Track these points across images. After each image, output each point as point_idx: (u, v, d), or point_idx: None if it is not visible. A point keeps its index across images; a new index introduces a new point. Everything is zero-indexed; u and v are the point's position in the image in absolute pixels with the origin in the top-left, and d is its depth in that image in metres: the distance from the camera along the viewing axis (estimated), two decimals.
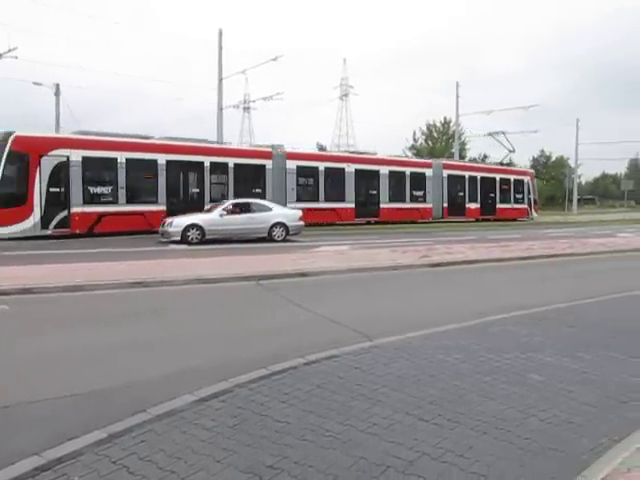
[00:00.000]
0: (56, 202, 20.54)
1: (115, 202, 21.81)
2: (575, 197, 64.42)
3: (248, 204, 20.82)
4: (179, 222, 19.19)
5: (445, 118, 67.52)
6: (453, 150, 54.44)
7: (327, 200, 29.06)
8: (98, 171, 21.90)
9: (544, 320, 7.64)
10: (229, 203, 20.56)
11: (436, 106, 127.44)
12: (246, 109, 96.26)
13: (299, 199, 27.70)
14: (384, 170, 31.47)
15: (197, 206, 23.22)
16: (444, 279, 12.34)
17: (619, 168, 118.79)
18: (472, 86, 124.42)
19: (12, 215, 19.80)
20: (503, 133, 43.48)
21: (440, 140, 68.87)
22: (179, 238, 18.61)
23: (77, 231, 21.01)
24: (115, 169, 22.02)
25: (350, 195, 30.02)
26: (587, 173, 70.59)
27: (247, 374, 5.10)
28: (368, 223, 30.38)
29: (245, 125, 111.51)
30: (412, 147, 69.28)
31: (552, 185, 75.92)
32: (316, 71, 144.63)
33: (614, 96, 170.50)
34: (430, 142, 69.09)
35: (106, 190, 21.95)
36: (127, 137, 23.31)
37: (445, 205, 35.16)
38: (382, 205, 31.40)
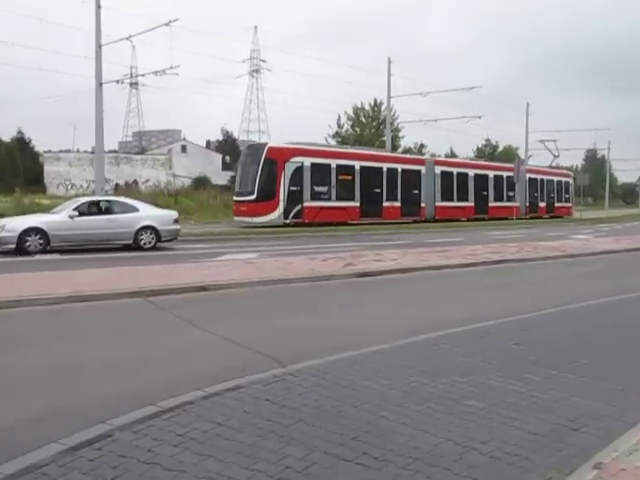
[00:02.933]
0: (294, 198, 31.63)
1: (329, 198, 33.55)
2: None
3: (107, 203, 20.15)
4: (14, 225, 17.81)
5: (375, 100, 68.93)
6: (384, 138, 55.60)
7: (458, 200, 42.11)
8: (320, 174, 33.09)
9: (487, 337, 7.93)
10: (82, 202, 19.74)
11: (364, 87, 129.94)
12: (133, 85, 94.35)
13: (442, 199, 40.76)
14: (491, 174, 45.40)
15: (377, 203, 36.36)
16: (371, 291, 12.56)
17: (575, 160, 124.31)
18: (407, 66, 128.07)
19: (266, 207, 30.84)
20: (554, 141, 57.70)
21: (369, 126, 70.20)
22: (14, 246, 17.30)
23: (307, 221, 32.02)
24: (329, 173, 33.66)
25: (471, 196, 43.38)
26: (539, 165, 73.98)
27: (131, 413, 4.97)
28: (482, 219, 42.73)
29: (132, 105, 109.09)
30: (336, 134, 70.26)
31: None
32: (220, 42, 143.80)
33: (571, 80, 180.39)
34: (358, 128, 70.30)
35: (324, 189, 33.45)
36: (334, 147, 41.11)
37: (527, 204, 49.47)
38: (490, 204, 44.74)
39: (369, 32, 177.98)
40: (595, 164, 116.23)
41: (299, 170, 31.94)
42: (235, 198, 32.72)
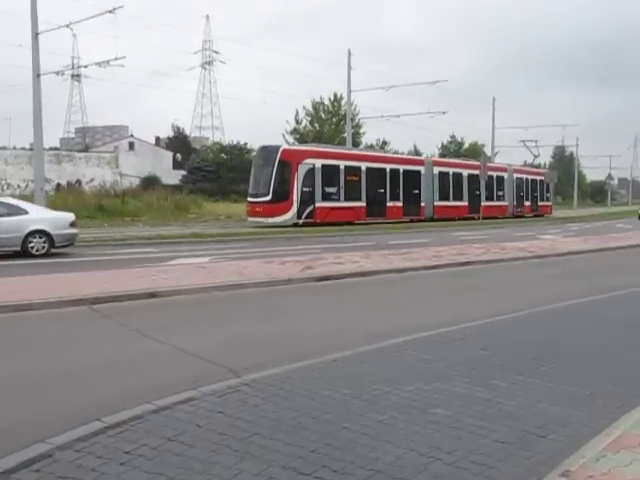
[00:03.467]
0: (307, 199, 34.91)
1: (338, 199, 36.95)
2: None
3: None
4: None
5: (335, 95, 69.16)
6: (345, 134, 55.78)
7: (454, 199, 46.29)
8: (330, 176, 36.29)
9: (452, 342, 8.02)
10: None
11: (326, 80, 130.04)
12: (75, 77, 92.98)
13: (440, 198, 44.75)
14: (475, 173, 48.34)
15: (381, 202, 39.67)
16: (332, 295, 12.62)
17: (543, 157, 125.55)
18: (369, 59, 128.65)
19: (281, 208, 33.95)
20: (535, 141, 61.60)
21: (329, 122, 70.39)
22: None
23: (318, 220, 34.90)
24: (339, 174, 36.95)
25: (465, 195, 47.29)
26: (507, 163, 74.48)
27: (74, 430, 4.89)
28: (474, 218, 46.24)
29: (75, 98, 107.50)
30: (294, 131, 70.27)
31: None
32: (171, 32, 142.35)
33: (542, 76, 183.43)
34: (317, 124, 70.43)
35: (334, 190, 36.76)
36: (342, 149, 43.01)
37: (515, 203, 53.69)
38: (482, 203, 48.02)
39: (334, 23, 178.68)
40: (563, 162, 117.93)
41: (311, 172, 35.29)
42: (250, 199, 35.58)
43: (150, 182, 57.53)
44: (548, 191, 61.29)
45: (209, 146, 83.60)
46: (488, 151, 73.84)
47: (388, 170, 40.52)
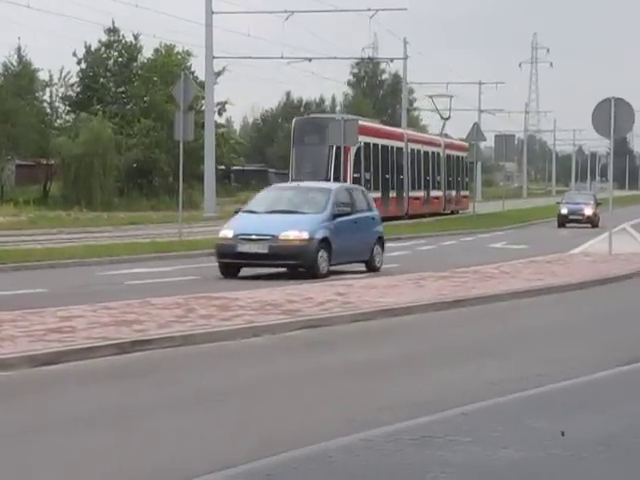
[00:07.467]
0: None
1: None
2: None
3: None
4: None
5: None
6: None
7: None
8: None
9: None
10: None
11: None
12: None
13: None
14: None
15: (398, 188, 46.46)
16: None
17: (332, 88, 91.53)
18: None
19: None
20: (450, 97, 59.20)
21: None
22: None
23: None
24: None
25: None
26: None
27: None
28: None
29: None
30: None
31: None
32: None
33: None
34: None
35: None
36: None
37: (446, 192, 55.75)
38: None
39: None
40: (374, 92, 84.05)
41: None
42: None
43: None
44: (466, 173, 55.82)
45: None
46: (200, 69, 52.84)
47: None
